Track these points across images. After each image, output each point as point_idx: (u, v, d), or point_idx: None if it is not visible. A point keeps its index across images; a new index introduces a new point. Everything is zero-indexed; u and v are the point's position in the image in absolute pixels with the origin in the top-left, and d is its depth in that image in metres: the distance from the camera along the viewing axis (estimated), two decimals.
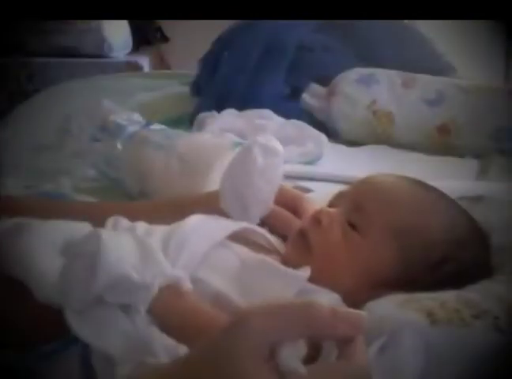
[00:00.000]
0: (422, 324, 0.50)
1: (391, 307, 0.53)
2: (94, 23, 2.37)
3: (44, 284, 0.58)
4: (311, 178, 1.13)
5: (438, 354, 0.49)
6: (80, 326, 0.54)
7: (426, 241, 0.65)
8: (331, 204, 0.70)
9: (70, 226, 0.67)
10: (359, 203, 0.67)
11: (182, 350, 0.51)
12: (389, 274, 0.63)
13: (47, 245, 0.62)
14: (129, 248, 0.57)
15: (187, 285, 0.58)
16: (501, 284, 0.59)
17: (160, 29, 2.82)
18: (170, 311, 0.56)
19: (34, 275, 0.58)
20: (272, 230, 0.72)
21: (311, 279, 0.62)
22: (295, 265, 0.63)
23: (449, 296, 0.55)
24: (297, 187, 1.09)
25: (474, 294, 0.56)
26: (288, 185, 1.11)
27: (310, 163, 1.25)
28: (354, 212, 0.66)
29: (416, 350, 0.49)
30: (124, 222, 0.68)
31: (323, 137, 1.31)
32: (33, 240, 0.62)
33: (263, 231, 0.71)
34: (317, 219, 0.66)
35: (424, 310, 0.51)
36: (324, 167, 1.24)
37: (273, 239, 0.71)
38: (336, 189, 0.76)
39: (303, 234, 0.67)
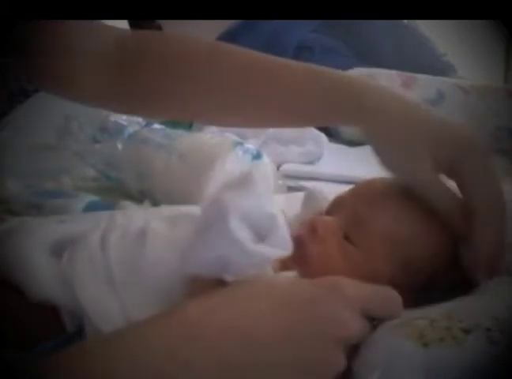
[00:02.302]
0: (415, 349, 0.49)
1: (384, 336, 0.52)
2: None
3: (37, 285, 0.58)
4: (311, 178, 1.13)
5: (436, 375, 0.48)
6: None
7: (423, 251, 0.64)
8: (328, 212, 0.70)
9: (61, 226, 0.67)
10: (355, 212, 0.66)
11: None
12: (386, 284, 0.62)
13: (38, 245, 0.62)
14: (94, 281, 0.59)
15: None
16: (490, 293, 0.59)
17: (160, 29, 2.82)
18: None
19: (26, 276, 0.59)
20: None
21: None
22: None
23: (438, 313, 0.54)
24: (297, 187, 1.09)
25: (464, 306, 0.56)
26: (289, 184, 1.12)
27: (310, 163, 1.25)
28: (350, 222, 0.66)
29: (411, 373, 0.49)
30: (120, 220, 0.68)
31: (323, 137, 1.31)
32: (24, 241, 0.62)
33: None
34: (313, 227, 0.66)
35: (415, 334, 0.51)
36: (324, 167, 1.24)
37: None
38: (336, 189, 0.75)
39: (299, 242, 0.66)
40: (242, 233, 0.55)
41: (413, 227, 0.65)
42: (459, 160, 0.64)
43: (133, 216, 0.70)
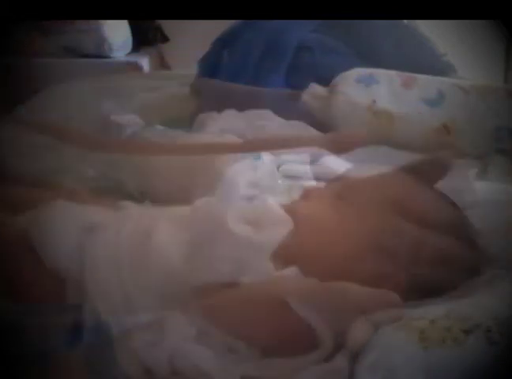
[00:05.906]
0: (415, 351, 0.49)
1: (384, 337, 0.52)
2: (94, 23, 2.37)
3: (58, 253, 0.62)
4: (311, 178, 1.13)
5: (436, 376, 0.48)
6: None
7: (413, 212, 0.65)
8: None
9: (90, 210, 0.73)
10: (348, 178, 0.69)
11: None
12: (381, 244, 0.63)
13: (68, 221, 0.66)
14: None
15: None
16: (490, 293, 0.59)
17: (160, 29, 2.82)
18: None
19: (51, 243, 0.63)
20: None
21: (301, 254, 0.62)
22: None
23: (438, 313, 0.54)
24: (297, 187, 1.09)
25: (464, 306, 0.55)
26: (289, 184, 1.12)
27: (310, 163, 1.25)
28: (344, 185, 0.68)
29: (412, 375, 0.49)
30: (132, 216, 0.71)
31: None
32: (56, 215, 0.67)
33: None
34: (307, 192, 0.68)
35: (416, 332, 0.50)
36: (324, 167, 1.24)
37: None
38: None
39: (292, 209, 0.67)
40: (243, 230, 0.56)
41: (406, 188, 0.67)
42: None
43: (142, 216, 0.72)
